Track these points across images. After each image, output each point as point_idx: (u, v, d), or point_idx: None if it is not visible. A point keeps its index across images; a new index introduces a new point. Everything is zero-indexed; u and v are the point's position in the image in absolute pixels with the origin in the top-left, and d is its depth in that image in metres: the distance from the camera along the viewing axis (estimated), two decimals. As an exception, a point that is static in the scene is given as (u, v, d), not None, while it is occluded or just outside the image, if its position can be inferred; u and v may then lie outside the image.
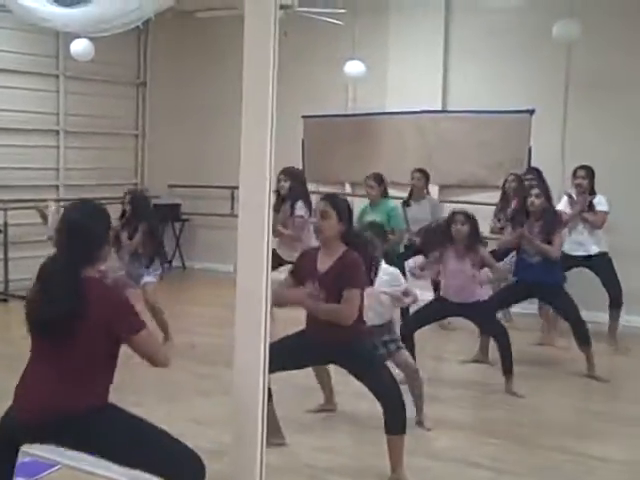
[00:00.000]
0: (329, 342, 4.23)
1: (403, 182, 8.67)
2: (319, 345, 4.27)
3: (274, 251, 8.03)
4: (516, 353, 6.02)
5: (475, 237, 5.88)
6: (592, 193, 7.29)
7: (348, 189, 10.26)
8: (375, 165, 9.76)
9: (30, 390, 3.05)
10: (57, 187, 10.05)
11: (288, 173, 7.39)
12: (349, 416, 5.39)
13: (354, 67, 9.17)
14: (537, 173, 7.77)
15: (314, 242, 6.29)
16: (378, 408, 4.26)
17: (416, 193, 8.27)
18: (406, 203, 8.29)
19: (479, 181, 9.19)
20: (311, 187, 10.26)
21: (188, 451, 3.15)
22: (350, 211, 4.42)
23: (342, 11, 7.58)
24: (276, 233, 6.86)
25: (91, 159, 10.14)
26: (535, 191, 6.42)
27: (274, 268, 3.90)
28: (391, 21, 9.50)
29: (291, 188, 7.30)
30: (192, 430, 4.55)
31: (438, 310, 6.18)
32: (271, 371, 3.68)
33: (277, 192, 7.18)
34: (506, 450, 4.85)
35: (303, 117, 10.32)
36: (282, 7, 7.36)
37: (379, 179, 7.75)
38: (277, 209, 7.06)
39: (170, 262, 10.80)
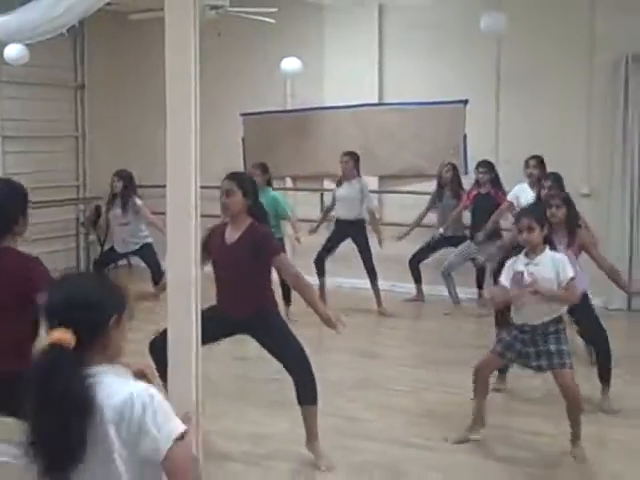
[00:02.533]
0: (241, 314, 4.40)
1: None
2: (232, 318, 4.43)
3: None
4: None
5: (574, 220, 5.33)
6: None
7: (289, 184, 10.38)
8: (315, 159, 9.97)
9: None
10: None
11: (121, 175, 8.64)
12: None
13: (291, 63, 9.29)
14: (556, 179, 6.53)
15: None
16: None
17: (346, 174, 8.49)
18: (338, 183, 8.56)
19: (417, 171, 9.37)
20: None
21: None
22: (255, 187, 4.71)
23: (274, 10, 7.69)
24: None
25: (32, 163, 10.08)
26: (555, 202, 5.35)
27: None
28: (326, 17, 9.63)
29: (125, 187, 8.53)
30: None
31: None
32: None
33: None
34: (438, 429, 5.05)
35: (242, 115, 10.40)
36: (213, 7, 7.52)
37: (263, 167, 8.19)
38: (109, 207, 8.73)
39: (116, 261, 10.79)
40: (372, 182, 9.63)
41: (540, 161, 7.66)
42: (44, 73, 10.14)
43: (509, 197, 7.76)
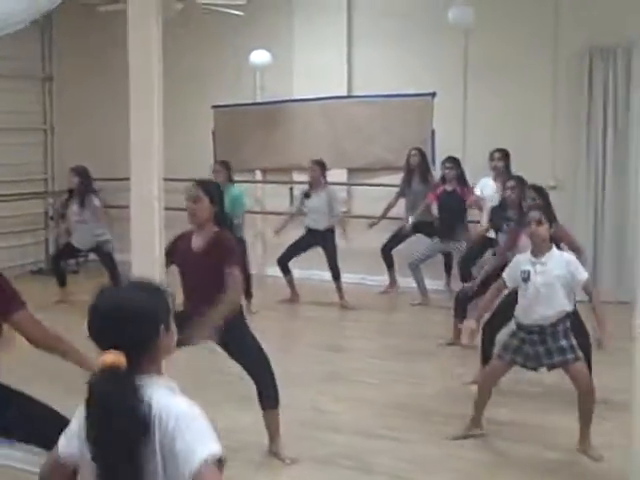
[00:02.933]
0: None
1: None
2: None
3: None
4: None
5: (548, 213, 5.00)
6: (509, 175, 7.36)
7: (259, 176, 10.39)
8: (284, 151, 9.98)
9: None
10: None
11: (77, 171, 8.53)
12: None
13: (260, 56, 9.31)
14: (520, 181, 6.39)
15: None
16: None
17: (314, 183, 8.51)
18: (306, 195, 8.55)
19: (386, 163, 9.41)
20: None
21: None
22: (221, 194, 4.66)
23: (242, 2, 7.67)
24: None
25: (5, 155, 10.01)
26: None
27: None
28: (294, 9, 9.64)
29: (81, 183, 8.42)
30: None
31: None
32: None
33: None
34: (407, 421, 5.10)
35: (213, 107, 10.38)
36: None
37: (225, 165, 8.16)
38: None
39: (86, 256, 10.74)
40: (341, 175, 9.70)
41: (505, 154, 7.74)
42: (11, 65, 10.04)
43: (476, 190, 7.83)
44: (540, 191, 5.82)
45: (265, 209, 10.33)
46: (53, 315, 5.11)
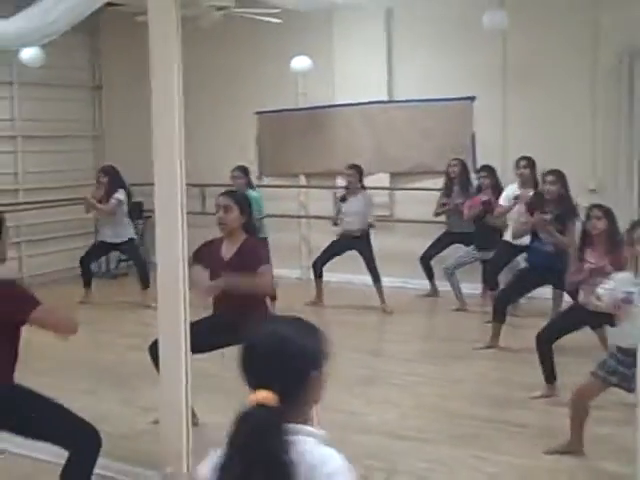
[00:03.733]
0: (239, 321, 4.47)
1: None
2: (230, 325, 4.49)
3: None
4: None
5: (614, 234, 5.22)
6: (535, 183, 7.44)
7: (303, 181, 10.50)
8: (327, 156, 10.07)
9: None
10: (17, 191, 10.22)
11: (104, 171, 8.99)
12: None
13: (300, 62, 9.41)
14: (560, 176, 6.67)
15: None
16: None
17: (351, 188, 8.57)
18: (342, 199, 8.62)
19: (426, 167, 9.43)
20: (266, 180, 10.57)
21: (85, 423, 3.49)
22: (249, 203, 4.85)
23: (277, 10, 7.76)
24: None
25: (50, 162, 10.30)
26: (550, 178, 6.38)
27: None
28: (334, 15, 9.72)
29: (110, 181, 8.83)
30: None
31: (578, 318, 5.39)
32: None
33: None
34: (437, 423, 5.14)
35: (256, 113, 10.54)
36: (219, 9, 7.63)
37: (244, 170, 8.42)
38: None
39: (102, 255, 10.93)
40: (383, 179, 9.75)
41: (531, 162, 7.72)
42: (61, 74, 10.34)
43: (501, 199, 7.78)
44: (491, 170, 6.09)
45: (309, 213, 10.44)
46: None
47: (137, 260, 8.94)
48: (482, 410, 5.36)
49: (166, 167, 3.75)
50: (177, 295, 3.77)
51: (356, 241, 8.53)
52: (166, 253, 3.80)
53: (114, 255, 10.98)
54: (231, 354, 4.64)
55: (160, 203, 3.79)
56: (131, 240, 8.92)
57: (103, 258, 10.66)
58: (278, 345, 1.87)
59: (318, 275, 8.81)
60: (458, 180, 8.60)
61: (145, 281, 8.67)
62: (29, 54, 8.51)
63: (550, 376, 5.48)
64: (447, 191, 8.68)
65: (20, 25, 4.14)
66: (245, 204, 4.77)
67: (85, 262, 9.05)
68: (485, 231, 8.03)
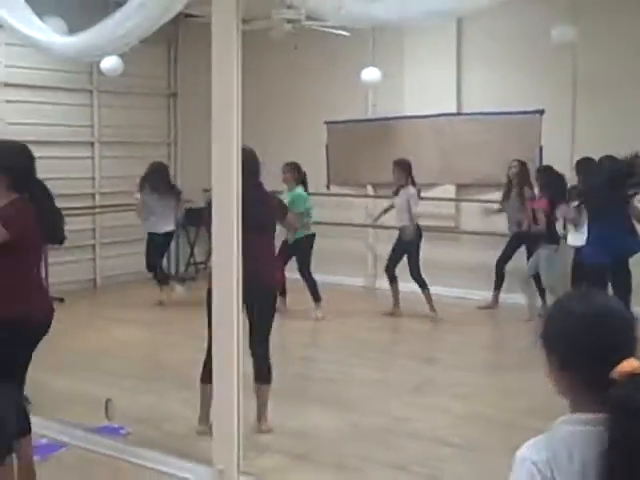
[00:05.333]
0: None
1: (422, 182, 9.00)
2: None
3: None
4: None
5: None
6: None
7: (370, 191, 10.62)
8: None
9: None
10: (93, 195, 10.60)
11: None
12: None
13: (371, 74, 9.53)
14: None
15: None
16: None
17: (396, 184, 8.73)
18: (395, 193, 8.77)
19: (493, 180, 9.41)
20: (334, 189, 10.72)
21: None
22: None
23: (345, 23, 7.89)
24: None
25: (126, 167, 10.59)
26: None
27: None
28: (405, 27, 9.81)
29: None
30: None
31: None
32: None
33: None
34: (488, 433, 5.19)
35: (326, 123, 10.70)
36: (289, 21, 7.82)
37: (294, 166, 8.77)
38: None
39: (205, 263, 11.36)
40: (450, 190, 9.80)
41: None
42: (139, 82, 10.66)
43: None
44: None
45: (376, 223, 10.53)
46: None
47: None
48: (535, 422, 5.37)
49: (224, 173, 3.92)
50: (230, 299, 3.92)
51: (404, 241, 8.62)
52: (222, 257, 3.96)
53: (183, 258, 11.32)
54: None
55: (217, 210, 3.96)
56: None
57: (173, 261, 10.99)
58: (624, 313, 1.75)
59: (392, 280, 8.80)
60: (516, 181, 8.62)
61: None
62: (109, 63, 8.82)
63: None
64: (505, 194, 8.71)
65: (92, 39, 4.36)
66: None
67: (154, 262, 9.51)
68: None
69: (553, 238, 7.98)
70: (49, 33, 4.67)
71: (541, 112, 9.03)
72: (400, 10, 3.67)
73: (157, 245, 9.56)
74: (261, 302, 4.97)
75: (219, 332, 4.05)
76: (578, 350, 1.69)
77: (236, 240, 3.89)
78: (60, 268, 9.62)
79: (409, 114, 10.02)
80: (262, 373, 5.03)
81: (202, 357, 4.84)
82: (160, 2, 4.07)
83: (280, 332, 5.30)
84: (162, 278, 9.61)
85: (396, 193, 8.74)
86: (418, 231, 8.60)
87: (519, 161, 8.71)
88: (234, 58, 3.88)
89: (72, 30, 4.85)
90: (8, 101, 9.62)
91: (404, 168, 8.64)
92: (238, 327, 3.97)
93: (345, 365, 6.77)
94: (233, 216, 3.88)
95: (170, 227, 9.56)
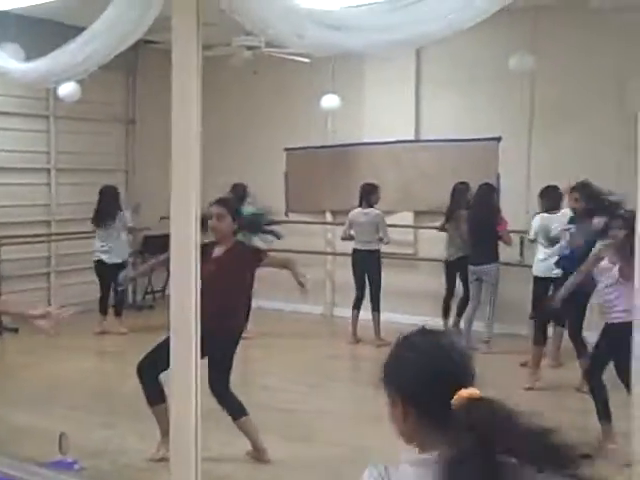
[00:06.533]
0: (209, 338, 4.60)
1: (381, 209, 8.99)
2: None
3: None
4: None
5: None
6: None
7: (329, 217, 10.62)
8: (353, 193, 10.16)
9: None
10: (49, 222, 10.44)
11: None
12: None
13: (330, 101, 9.57)
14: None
15: None
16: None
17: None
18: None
19: (451, 207, 9.48)
20: (292, 216, 10.69)
21: None
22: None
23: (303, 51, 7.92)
24: None
25: (82, 195, 10.47)
26: None
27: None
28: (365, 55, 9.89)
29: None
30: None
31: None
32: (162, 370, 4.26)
33: None
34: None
35: (286, 150, 10.71)
36: (249, 48, 7.82)
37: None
38: None
39: (163, 291, 11.26)
40: (407, 217, 9.84)
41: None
42: (96, 109, 10.57)
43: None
44: None
45: (335, 250, 10.53)
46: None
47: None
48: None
49: (183, 201, 3.88)
50: (189, 326, 3.86)
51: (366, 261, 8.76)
52: (179, 285, 3.90)
53: (140, 287, 11.20)
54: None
55: (175, 238, 3.91)
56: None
57: (129, 290, 10.87)
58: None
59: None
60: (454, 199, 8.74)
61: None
62: (66, 89, 8.73)
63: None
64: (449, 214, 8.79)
65: (50, 65, 4.31)
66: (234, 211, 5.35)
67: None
68: None
69: None
70: (6, 59, 4.61)
71: (498, 139, 9.13)
72: (363, 39, 3.66)
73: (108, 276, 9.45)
74: (223, 345, 4.99)
75: (177, 361, 3.97)
76: (419, 382, 1.72)
77: (194, 270, 3.84)
78: (14, 297, 9.42)
79: (368, 141, 10.06)
80: (231, 409, 5.00)
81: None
82: (120, 29, 4.03)
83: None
84: (117, 307, 9.51)
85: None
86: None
87: (462, 182, 8.77)
88: (194, 85, 3.84)
89: (29, 56, 4.78)
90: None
91: (366, 190, 8.80)
92: (196, 356, 3.89)
93: (305, 394, 6.71)
94: (192, 246, 3.83)
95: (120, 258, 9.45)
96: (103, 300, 9.44)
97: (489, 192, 8.29)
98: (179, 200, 3.92)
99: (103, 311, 9.39)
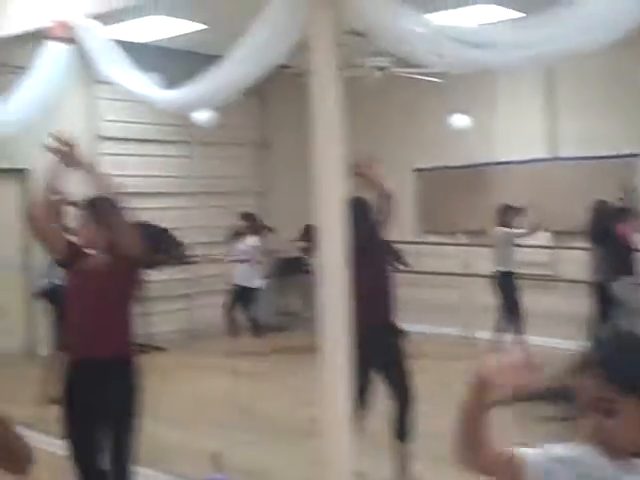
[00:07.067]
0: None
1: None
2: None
3: None
4: None
5: None
6: None
7: (462, 238, 10.48)
8: (487, 213, 10.00)
9: None
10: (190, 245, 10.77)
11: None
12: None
13: (460, 120, 9.49)
14: None
15: None
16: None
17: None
18: None
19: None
20: (425, 237, 10.62)
21: None
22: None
23: (438, 70, 7.90)
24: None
25: (219, 217, 10.76)
26: None
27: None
28: (496, 73, 9.77)
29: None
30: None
31: None
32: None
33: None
34: None
35: (415, 170, 10.67)
36: (379, 69, 7.86)
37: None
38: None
39: (297, 313, 11.44)
40: (545, 237, 9.59)
41: None
42: (232, 133, 10.86)
43: None
44: None
45: (470, 271, 10.36)
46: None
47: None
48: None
49: (328, 222, 3.89)
50: (340, 355, 3.84)
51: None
52: (331, 310, 3.88)
53: (273, 307, 11.38)
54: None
55: (324, 261, 3.89)
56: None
57: (264, 311, 11.06)
58: None
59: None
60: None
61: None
62: (204, 116, 9.03)
63: None
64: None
65: (193, 92, 4.46)
66: None
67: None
68: None
69: None
70: (152, 88, 4.82)
71: (636, 156, 8.81)
72: (502, 56, 3.62)
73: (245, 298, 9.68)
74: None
75: (326, 388, 3.95)
76: None
77: (344, 291, 3.84)
78: (156, 318, 9.83)
79: (500, 160, 9.90)
80: (399, 431, 4.91)
81: (301, 409, 4.76)
82: (262, 55, 4.13)
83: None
84: (255, 328, 9.68)
85: None
86: None
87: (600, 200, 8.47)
88: (333, 107, 3.89)
89: (168, 86, 4.99)
90: (107, 154, 9.91)
91: (503, 210, 8.63)
92: (346, 379, 3.87)
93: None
94: (340, 268, 3.83)
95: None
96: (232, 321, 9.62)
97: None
98: (325, 220, 3.92)
99: (233, 332, 9.55)
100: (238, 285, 9.58)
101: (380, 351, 4.75)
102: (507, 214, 8.59)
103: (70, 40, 4.92)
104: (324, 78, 3.91)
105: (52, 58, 5.01)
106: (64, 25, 4.88)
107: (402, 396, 4.92)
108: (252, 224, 9.75)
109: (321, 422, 4.03)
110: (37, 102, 5.12)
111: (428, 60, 3.54)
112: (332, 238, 3.86)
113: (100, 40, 4.89)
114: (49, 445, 4.90)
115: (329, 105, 3.90)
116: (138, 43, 8.19)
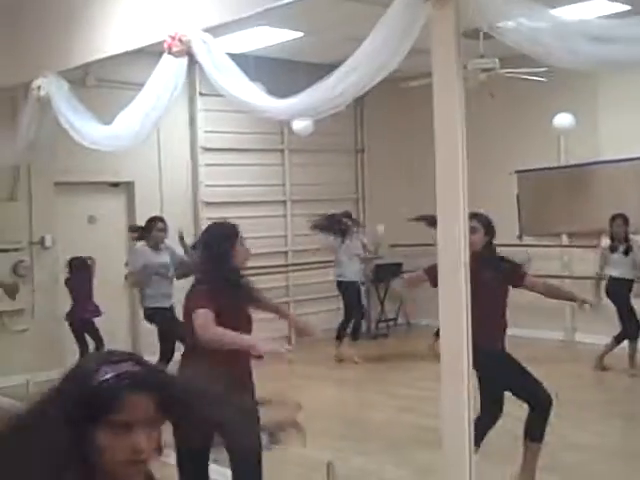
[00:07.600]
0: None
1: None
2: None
3: None
4: None
5: None
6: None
7: (565, 240, 10.24)
8: (591, 214, 9.74)
9: None
10: (286, 253, 10.80)
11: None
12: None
13: (564, 119, 9.26)
14: None
15: None
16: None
17: (617, 238, 8.35)
18: (613, 249, 8.36)
19: None
20: (527, 240, 10.41)
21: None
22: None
23: (544, 69, 7.73)
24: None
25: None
26: None
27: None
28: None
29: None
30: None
31: None
32: None
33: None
34: None
35: (517, 172, 10.47)
36: (484, 70, 7.71)
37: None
38: None
39: (395, 319, 11.39)
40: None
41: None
42: (327, 140, 10.85)
43: None
44: None
45: (573, 274, 10.12)
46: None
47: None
48: None
49: (449, 226, 3.85)
50: (460, 358, 3.79)
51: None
52: (450, 315, 3.85)
53: (374, 315, 11.34)
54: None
55: (444, 265, 3.87)
56: None
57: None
58: None
59: None
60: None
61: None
62: (302, 124, 9.03)
63: None
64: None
65: (306, 100, 4.45)
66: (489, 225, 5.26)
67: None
68: None
69: None
70: (260, 96, 4.84)
71: None
72: (633, 52, 3.48)
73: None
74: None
75: (447, 390, 3.92)
76: None
77: (465, 294, 3.78)
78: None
79: (604, 159, 9.62)
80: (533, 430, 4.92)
81: (402, 417, 4.72)
82: (378, 60, 4.10)
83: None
84: (354, 335, 9.65)
85: (614, 249, 8.43)
86: None
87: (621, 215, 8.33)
88: (457, 108, 3.83)
89: (268, 93, 5.02)
90: (206, 164, 10.05)
91: (627, 221, 8.40)
92: (469, 381, 3.82)
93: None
94: (461, 277, 3.77)
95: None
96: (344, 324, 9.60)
97: None
98: (446, 224, 3.87)
99: (340, 337, 9.51)
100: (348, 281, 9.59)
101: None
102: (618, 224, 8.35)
103: (185, 54, 4.98)
104: (446, 79, 3.85)
105: (167, 72, 5.07)
106: (180, 39, 4.94)
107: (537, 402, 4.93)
108: (354, 222, 9.81)
109: (442, 433, 3.97)
110: (153, 116, 5.19)
111: (562, 59, 3.43)
112: (454, 248, 3.81)
113: (215, 53, 4.93)
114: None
115: (452, 106, 3.85)
116: (238, 54, 8.26)
